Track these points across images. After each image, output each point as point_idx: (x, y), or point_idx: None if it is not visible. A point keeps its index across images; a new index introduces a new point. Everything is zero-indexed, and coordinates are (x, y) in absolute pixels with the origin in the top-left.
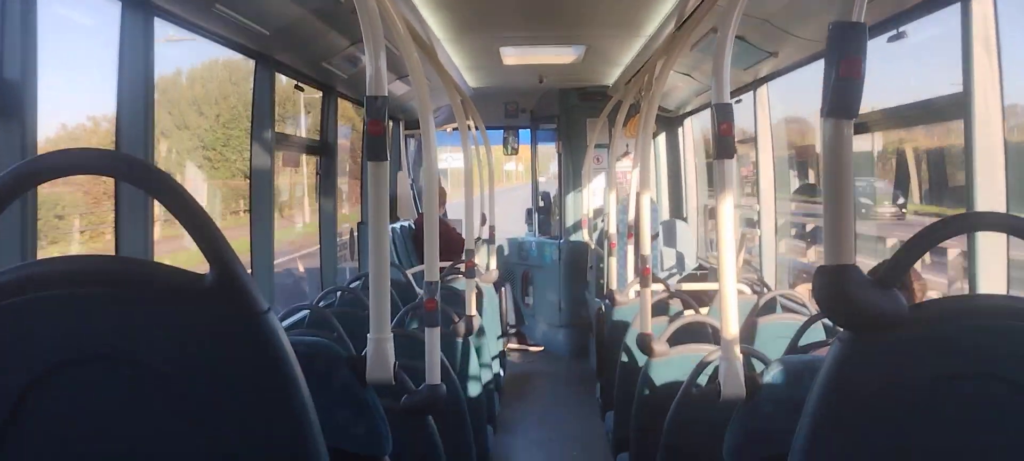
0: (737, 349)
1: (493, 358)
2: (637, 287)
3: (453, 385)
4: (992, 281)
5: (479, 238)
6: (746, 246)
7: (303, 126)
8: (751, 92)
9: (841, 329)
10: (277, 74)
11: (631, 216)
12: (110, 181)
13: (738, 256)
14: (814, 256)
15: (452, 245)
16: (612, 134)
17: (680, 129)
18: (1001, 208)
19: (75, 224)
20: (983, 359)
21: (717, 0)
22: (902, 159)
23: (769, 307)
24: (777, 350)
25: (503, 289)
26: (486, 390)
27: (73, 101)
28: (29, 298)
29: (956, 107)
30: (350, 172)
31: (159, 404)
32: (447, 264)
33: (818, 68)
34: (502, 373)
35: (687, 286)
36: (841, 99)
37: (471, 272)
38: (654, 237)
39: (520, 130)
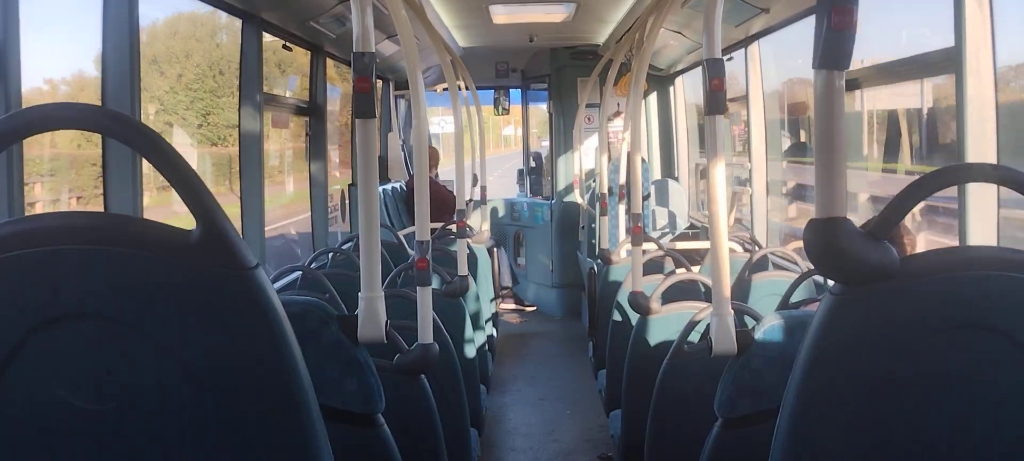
0: (728, 306)
1: (486, 319)
2: (629, 246)
3: (446, 345)
4: (982, 233)
5: (471, 199)
6: (737, 204)
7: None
8: (743, 49)
9: (832, 285)
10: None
11: (622, 176)
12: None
13: (730, 214)
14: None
15: (444, 206)
16: (603, 93)
17: (672, 88)
18: (992, 160)
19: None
20: (974, 310)
21: None
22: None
23: (761, 265)
24: (769, 307)
25: (495, 250)
26: (479, 350)
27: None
28: (15, 255)
29: (947, 62)
30: (340, 136)
31: (148, 360)
32: (439, 225)
33: (810, 25)
34: (495, 333)
35: (680, 245)
36: (832, 50)
37: (462, 233)
38: (646, 197)
39: (511, 90)
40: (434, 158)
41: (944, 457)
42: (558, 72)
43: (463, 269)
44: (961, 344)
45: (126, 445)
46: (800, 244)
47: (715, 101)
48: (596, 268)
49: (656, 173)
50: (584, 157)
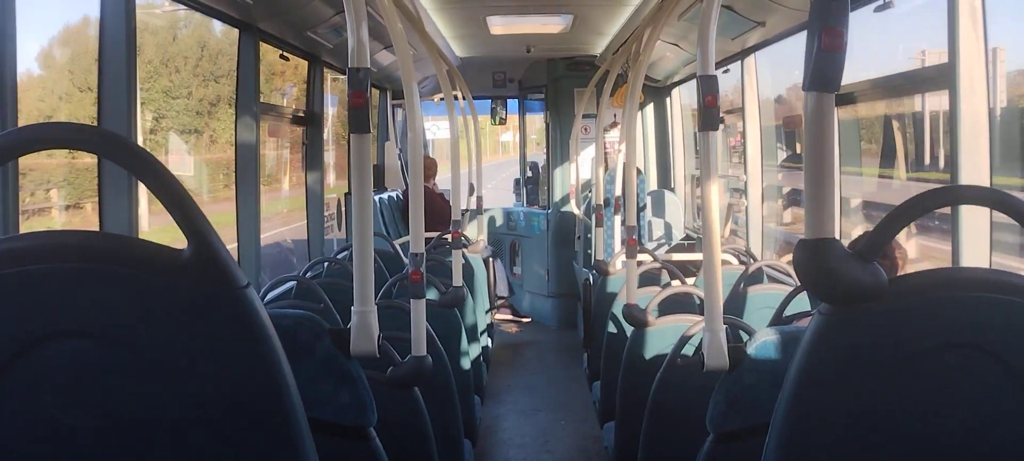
0: (721, 321)
1: (481, 332)
2: (624, 258)
3: (439, 356)
4: (976, 253)
5: (467, 208)
6: (733, 215)
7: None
8: (739, 62)
9: (821, 305)
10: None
11: (619, 187)
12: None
13: (725, 226)
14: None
15: (439, 216)
16: (600, 104)
17: (668, 99)
18: (985, 177)
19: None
20: (963, 331)
21: None
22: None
23: (756, 277)
24: (763, 320)
25: (491, 260)
26: (474, 361)
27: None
28: (7, 273)
29: (941, 78)
30: (339, 142)
31: (139, 379)
32: (434, 235)
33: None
34: (490, 343)
35: (676, 257)
36: (823, 72)
37: (458, 243)
38: (642, 208)
39: (508, 100)
40: (431, 168)
41: None
42: (555, 83)
43: (458, 280)
44: (950, 365)
45: None
46: None
47: (708, 117)
48: (592, 279)
49: (652, 184)
50: (581, 167)
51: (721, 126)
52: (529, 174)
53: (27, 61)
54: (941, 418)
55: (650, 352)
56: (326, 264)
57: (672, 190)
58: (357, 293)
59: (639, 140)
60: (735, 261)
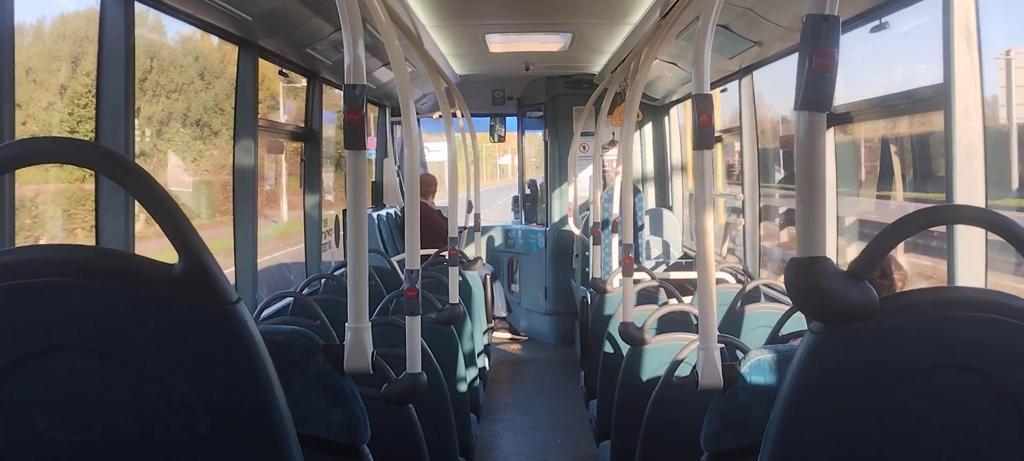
0: (715, 340)
1: (478, 350)
2: (622, 276)
3: (435, 374)
4: (971, 273)
5: (465, 227)
6: (730, 234)
7: None
8: (736, 81)
9: (812, 324)
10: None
11: (616, 205)
12: None
13: (722, 245)
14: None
15: (437, 232)
16: (598, 122)
17: (666, 118)
18: (980, 198)
19: None
20: (954, 351)
21: None
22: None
23: (753, 296)
24: (760, 339)
25: (489, 277)
26: (470, 379)
27: None
28: (1, 286)
29: (937, 98)
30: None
31: (130, 393)
32: (432, 251)
33: None
34: (487, 361)
35: (673, 275)
36: (814, 92)
37: (454, 260)
38: (640, 227)
39: (507, 117)
40: (431, 185)
41: None
42: (554, 101)
43: (455, 297)
44: (941, 384)
45: None
46: None
47: (703, 136)
48: (589, 297)
49: (650, 202)
50: (579, 185)
51: (719, 145)
52: (528, 192)
53: None
54: (932, 438)
55: (646, 371)
56: (323, 280)
57: (670, 209)
58: (351, 309)
59: (637, 159)
60: (732, 280)
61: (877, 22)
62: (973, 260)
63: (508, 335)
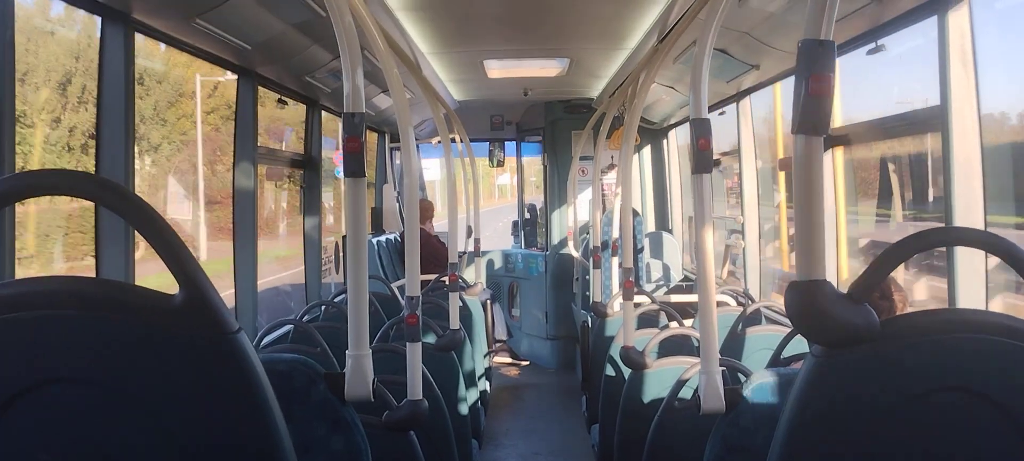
0: (717, 363)
1: (479, 375)
2: (622, 300)
3: (436, 400)
4: (971, 295)
5: (465, 252)
6: (730, 256)
7: None
8: (734, 104)
9: (813, 347)
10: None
11: (616, 229)
12: None
13: (723, 267)
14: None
15: (437, 258)
16: (597, 146)
17: (664, 141)
18: (979, 217)
19: None
20: (955, 373)
21: (697, 14)
22: None
23: (754, 319)
24: (762, 362)
25: (489, 302)
26: (471, 405)
27: None
28: (1, 320)
29: (934, 120)
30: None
31: (130, 425)
32: (432, 277)
33: None
34: (488, 386)
35: (674, 298)
36: (810, 115)
37: (454, 286)
38: (640, 250)
39: (506, 142)
40: (428, 210)
41: None
42: (552, 125)
43: (455, 323)
44: (942, 407)
45: None
46: None
47: (701, 160)
48: (590, 321)
49: (650, 225)
50: (578, 209)
51: (718, 167)
52: (527, 216)
53: None
54: (934, 460)
55: (648, 394)
56: (323, 307)
57: (670, 231)
58: (351, 337)
59: (636, 182)
60: (733, 302)
61: (873, 45)
62: (973, 281)
63: (509, 359)
